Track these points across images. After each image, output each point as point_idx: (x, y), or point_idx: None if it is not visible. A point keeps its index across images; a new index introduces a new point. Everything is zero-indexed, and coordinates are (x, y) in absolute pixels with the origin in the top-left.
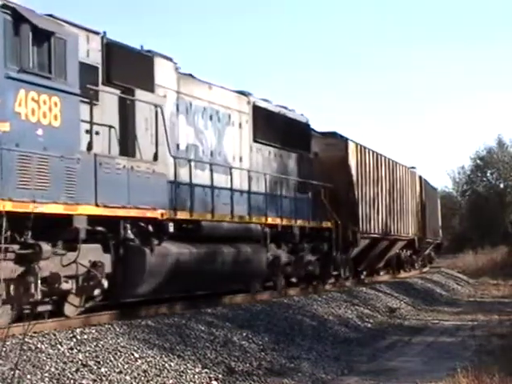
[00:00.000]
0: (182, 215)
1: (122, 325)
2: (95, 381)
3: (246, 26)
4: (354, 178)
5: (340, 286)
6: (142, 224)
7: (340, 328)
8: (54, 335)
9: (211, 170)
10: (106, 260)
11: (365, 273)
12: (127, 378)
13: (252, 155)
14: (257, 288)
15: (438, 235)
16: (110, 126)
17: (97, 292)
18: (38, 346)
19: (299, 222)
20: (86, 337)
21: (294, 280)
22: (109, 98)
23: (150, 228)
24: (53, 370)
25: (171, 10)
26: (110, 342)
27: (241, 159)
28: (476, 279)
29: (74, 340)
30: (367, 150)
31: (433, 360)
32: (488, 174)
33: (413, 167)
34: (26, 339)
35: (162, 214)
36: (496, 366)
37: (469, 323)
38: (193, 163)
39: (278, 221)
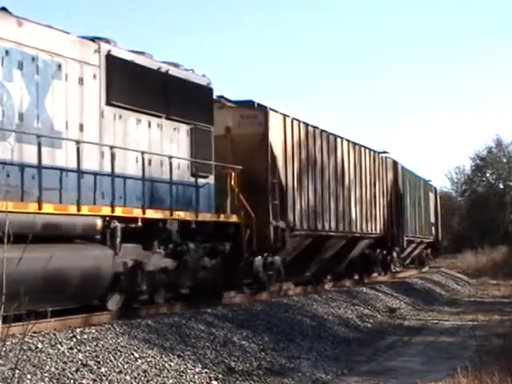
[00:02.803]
0: None
1: (122, 325)
2: (95, 381)
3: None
4: (281, 160)
5: (340, 285)
6: None
7: (340, 328)
8: (54, 335)
9: None
10: None
11: (329, 277)
12: (127, 377)
13: (104, 123)
14: (113, 305)
15: (430, 233)
16: None
17: None
18: (38, 345)
19: (179, 215)
20: (85, 337)
21: (184, 291)
22: None
23: None
24: (53, 369)
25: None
26: (110, 341)
27: (81, 128)
28: (476, 279)
29: (74, 340)
30: (300, 124)
31: (433, 360)
32: (488, 175)
33: (384, 151)
34: (26, 339)
35: None
36: (496, 366)
37: (469, 323)
38: None
39: (137, 212)
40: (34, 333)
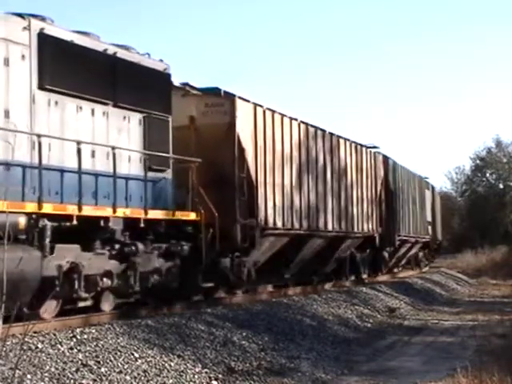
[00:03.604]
0: None
1: (122, 325)
2: (95, 381)
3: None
4: (250, 152)
5: (340, 285)
6: None
7: (340, 328)
8: (54, 335)
9: None
10: None
11: (315, 278)
12: (127, 377)
13: (36, 109)
14: (48, 312)
15: (426, 232)
16: None
17: None
18: (38, 345)
19: (124, 212)
20: (85, 337)
21: (136, 296)
22: None
23: None
24: (53, 369)
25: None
26: (110, 341)
27: (7, 114)
28: (476, 279)
29: (74, 340)
30: (274, 115)
31: (432, 360)
32: (487, 175)
33: (374, 146)
34: (26, 339)
35: None
36: (496, 366)
37: (469, 323)
38: None
39: (72, 209)
40: (34, 333)
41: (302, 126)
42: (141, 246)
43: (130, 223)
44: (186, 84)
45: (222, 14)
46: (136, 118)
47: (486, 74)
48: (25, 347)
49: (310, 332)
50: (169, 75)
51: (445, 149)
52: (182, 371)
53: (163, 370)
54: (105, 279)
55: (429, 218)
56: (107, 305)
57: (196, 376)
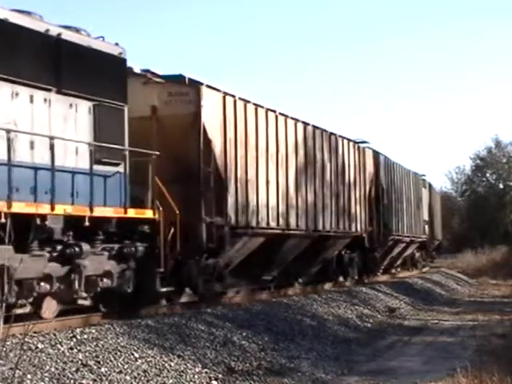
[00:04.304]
0: None
1: (122, 325)
2: (95, 381)
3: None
4: (218, 145)
5: (340, 285)
6: None
7: (340, 328)
8: (54, 335)
9: None
10: None
11: (301, 280)
12: (127, 377)
13: None
14: None
15: (423, 232)
16: None
17: None
18: (38, 346)
19: (63, 209)
20: (85, 337)
21: (84, 302)
22: None
23: None
24: (53, 369)
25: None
26: (110, 341)
27: None
28: (476, 279)
29: (74, 340)
30: (247, 105)
31: (432, 360)
32: (487, 175)
33: (364, 141)
34: (26, 339)
35: None
36: (496, 366)
37: (469, 323)
38: None
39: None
40: (35, 333)
41: (280, 117)
42: (86, 247)
43: (73, 222)
44: (148, 71)
45: (222, 10)
46: (85, 106)
47: (485, 69)
48: (25, 347)
49: (310, 332)
50: (124, 60)
51: (445, 148)
52: (182, 371)
53: (163, 370)
54: (43, 283)
55: (425, 217)
56: (49, 312)
57: (196, 376)
